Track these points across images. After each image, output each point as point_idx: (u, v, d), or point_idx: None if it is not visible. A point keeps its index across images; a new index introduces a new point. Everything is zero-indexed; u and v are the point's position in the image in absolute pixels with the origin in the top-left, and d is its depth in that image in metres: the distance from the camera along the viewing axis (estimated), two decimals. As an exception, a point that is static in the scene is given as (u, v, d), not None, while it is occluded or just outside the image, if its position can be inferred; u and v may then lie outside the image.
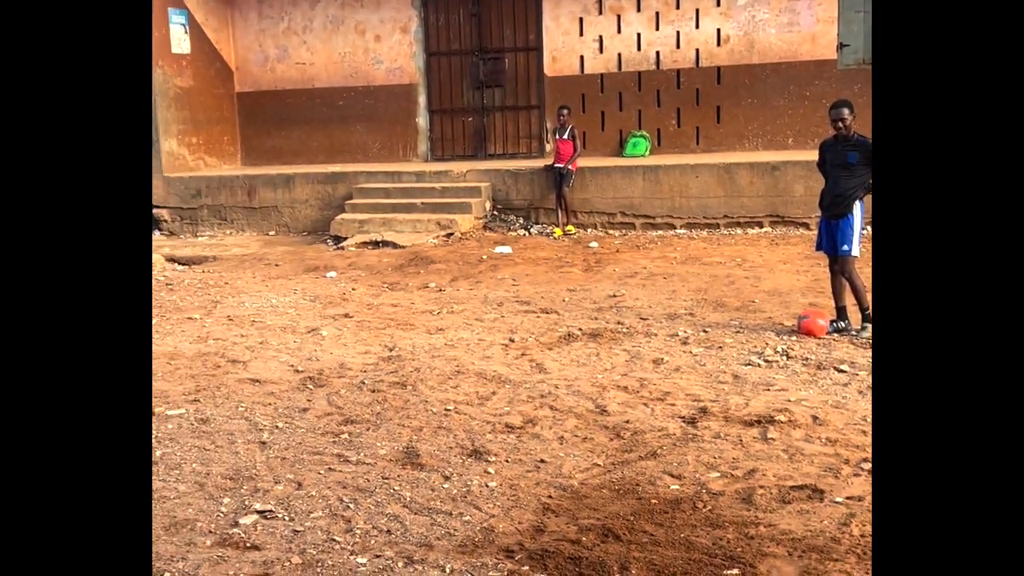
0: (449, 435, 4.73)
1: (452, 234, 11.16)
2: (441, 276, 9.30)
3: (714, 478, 4.09)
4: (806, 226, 10.71)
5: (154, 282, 9.63)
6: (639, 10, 12.72)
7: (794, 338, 6.35)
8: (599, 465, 4.30)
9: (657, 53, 12.70)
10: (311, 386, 5.68)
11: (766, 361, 5.85)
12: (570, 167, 11.39)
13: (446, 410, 5.13)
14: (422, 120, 13.76)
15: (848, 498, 3.81)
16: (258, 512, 3.85)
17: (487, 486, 4.08)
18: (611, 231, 11.40)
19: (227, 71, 14.33)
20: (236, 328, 7.32)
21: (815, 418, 4.73)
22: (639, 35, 12.74)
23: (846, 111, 6.41)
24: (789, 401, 5.02)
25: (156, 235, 13.10)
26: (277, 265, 10.41)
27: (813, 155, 10.49)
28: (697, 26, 12.52)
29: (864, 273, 6.58)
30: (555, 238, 11.12)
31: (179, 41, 13.30)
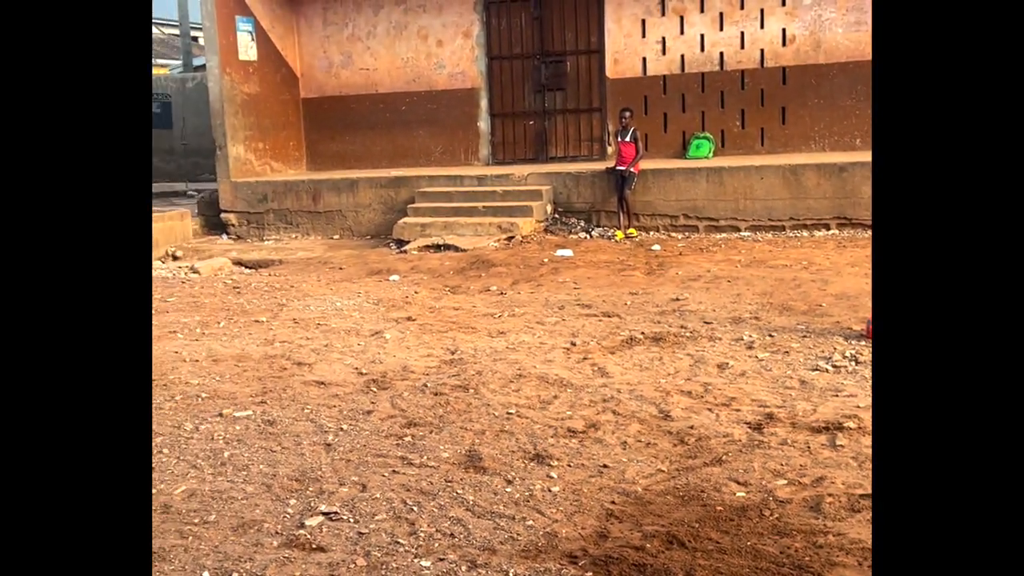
0: (511, 439, 4.73)
1: (513, 237, 11.17)
2: (502, 279, 9.31)
3: (781, 485, 4.02)
4: (874, 228, 10.48)
5: (222, 285, 9.83)
6: (703, 11, 12.60)
7: (863, 343, 6.21)
8: (663, 471, 4.26)
9: (721, 54, 12.56)
10: (375, 389, 5.73)
11: (834, 366, 5.73)
12: (632, 169, 11.32)
13: (508, 414, 5.13)
14: (484, 124, 13.81)
15: (921, 508, 3.71)
16: (324, 514, 3.89)
17: (550, 491, 4.07)
18: (674, 234, 11.30)
19: (292, 77, 14.56)
20: (301, 331, 7.42)
21: (885, 425, 4.62)
22: (702, 36, 12.62)
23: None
24: (858, 407, 4.92)
25: (224, 239, 13.36)
26: (341, 268, 10.53)
27: (882, 156, 10.31)
28: (762, 26, 12.35)
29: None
30: (617, 241, 11.07)
31: (246, 48, 13.55)
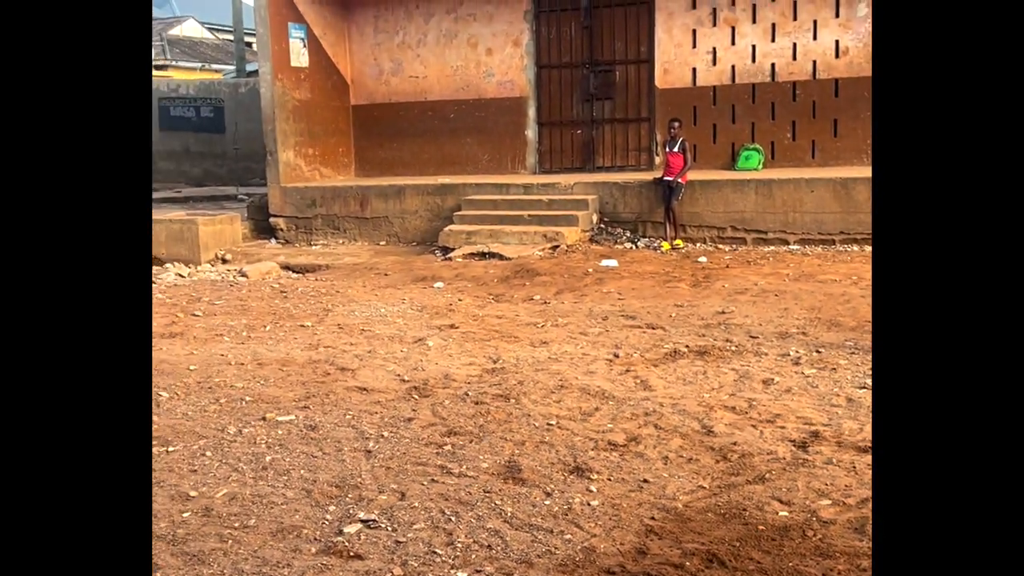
0: (551, 450, 4.71)
1: (558, 246, 11.15)
2: (546, 288, 9.29)
3: (825, 505, 3.94)
4: (927, 244, 10.28)
5: (269, 289, 9.93)
6: (754, 22, 12.48)
7: (913, 361, 6.08)
8: (704, 487, 4.20)
9: (772, 65, 12.43)
10: (416, 396, 5.74)
11: (882, 385, 5.62)
12: (680, 180, 11.24)
13: (548, 425, 5.10)
14: (531, 132, 13.82)
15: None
16: (362, 521, 3.90)
17: (589, 504, 4.04)
18: (721, 246, 11.19)
19: (343, 84, 14.70)
20: (346, 336, 7.46)
21: (935, 447, 4.51)
22: (754, 47, 12.50)
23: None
24: (907, 428, 4.81)
25: (272, 243, 13.51)
26: (386, 275, 10.59)
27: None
28: (815, 38, 12.20)
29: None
30: (663, 252, 10.99)
31: (298, 55, 13.71)
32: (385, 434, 5.02)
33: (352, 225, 13.31)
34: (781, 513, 3.89)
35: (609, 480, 4.32)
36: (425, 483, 4.31)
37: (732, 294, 8.61)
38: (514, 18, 13.68)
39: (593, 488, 4.22)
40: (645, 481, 4.29)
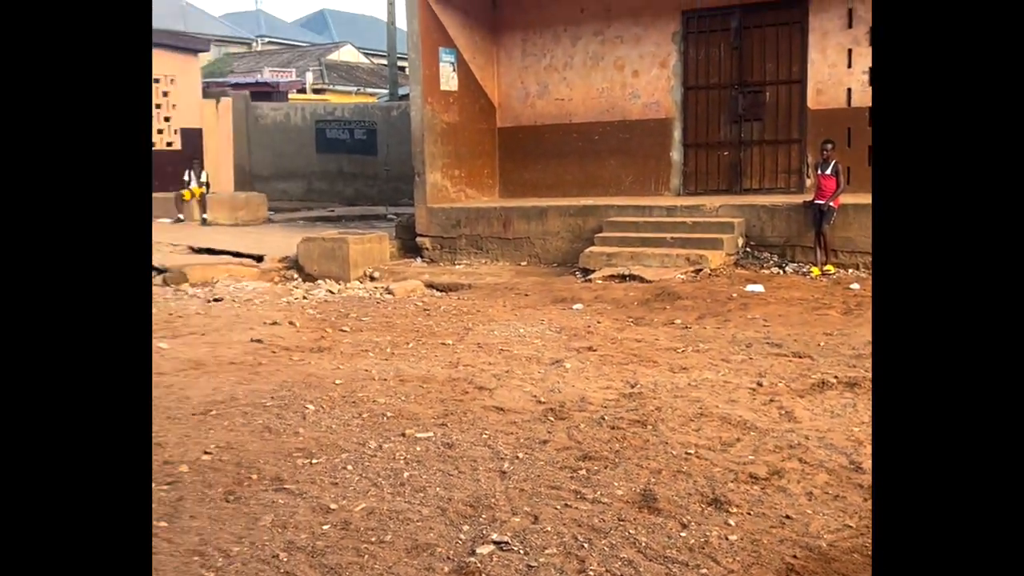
0: (688, 480, 4.59)
1: (701, 270, 10.94)
2: (687, 313, 9.12)
3: (985, 555, 3.68)
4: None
5: (413, 307, 10.16)
6: (914, 39, 11.94)
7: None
8: (851, 527, 4.00)
9: (933, 84, 11.85)
10: (552, 418, 5.72)
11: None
12: (832, 204, 10.85)
13: (687, 454, 4.98)
14: (676, 154, 13.66)
15: None
16: (495, 543, 3.90)
17: (727, 539, 3.91)
18: (874, 273, 10.71)
19: (490, 107, 14.95)
20: (485, 356, 7.53)
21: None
22: (913, 65, 11.96)
23: None
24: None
25: (417, 262, 13.84)
26: (526, 295, 10.65)
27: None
28: (981, 54, 11.56)
29: None
30: (812, 278, 10.61)
31: (448, 79, 14.04)
32: (520, 455, 5.02)
33: (494, 245, 13.47)
34: (935, 560, 3.66)
35: (749, 514, 4.17)
36: (558, 507, 4.27)
37: (885, 324, 8.20)
38: (662, 40, 13.58)
39: (732, 522, 4.08)
40: (787, 517, 4.12)
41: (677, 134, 13.62)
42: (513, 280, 11.84)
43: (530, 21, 14.62)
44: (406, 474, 4.76)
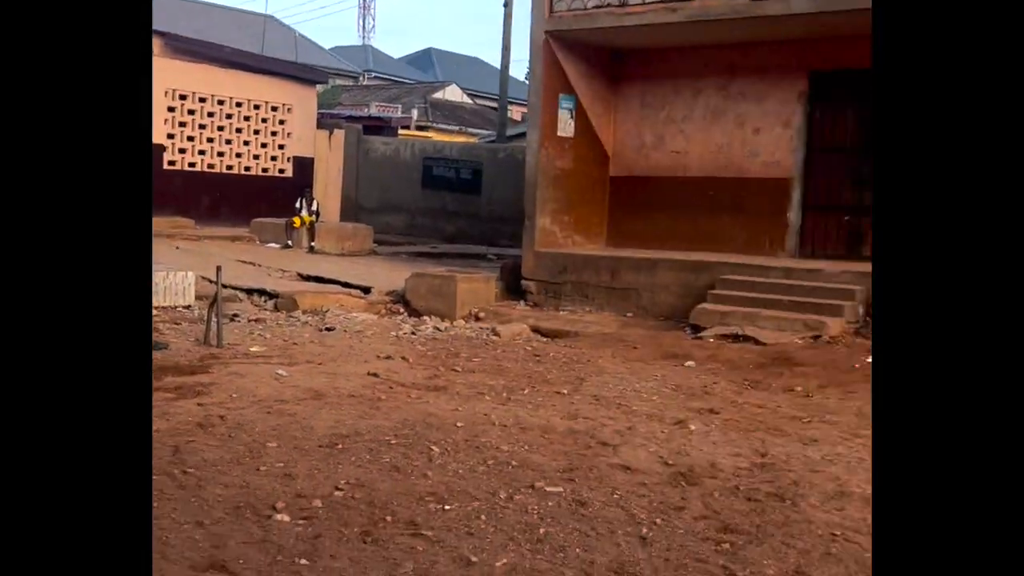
0: (840, 565, 4.36)
1: (820, 336, 10.61)
2: (807, 380, 8.83)
3: None
4: None
5: (522, 351, 10.08)
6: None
7: None
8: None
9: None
10: (683, 483, 5.54)
11: None
12: (961, 279, 10.44)
13: (833, 535, 4.74)
14: (793, 215, 13.38)
15: None
16: (644, 614, 3.74)
17: (892, 635, 3.67)
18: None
19: (603, 155, 14.91)
20: (603, 409, 7.39)
21: None
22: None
23: None
24: None
25: (521, 305, 13.78)
26: (635, 347, 10.48)
27: None
28: None
29: None
30: (937, 354, 10.19)
31: (565, 125, 14.07)
32: (657, 521, 4.85)
33: (600, 294, 13.34)
34: None
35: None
36: (707, 582, 4.09)
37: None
38: (787, 98, 13.38)
39: (895, 617, 3.84)
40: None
41: (796, 195, 13.35)
42: (620, 331, 11.68)
43: (651, 73, 14.57)
44: (541, 530, 4.64)
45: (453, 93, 41.74)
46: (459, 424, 6.61)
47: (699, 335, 11.17)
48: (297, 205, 19.22)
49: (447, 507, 4.88)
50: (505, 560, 4.23)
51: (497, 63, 33.51)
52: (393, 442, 6.05)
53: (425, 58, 57.16)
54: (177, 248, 16.96)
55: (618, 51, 14.70)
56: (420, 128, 33.88)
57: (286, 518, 4.59)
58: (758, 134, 13.63)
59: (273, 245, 18.91)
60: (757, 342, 10.61)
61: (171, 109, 21.29)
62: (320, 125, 23.97)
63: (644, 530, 4.69)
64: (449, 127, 35.32)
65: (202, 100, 21.85)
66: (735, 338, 10.88)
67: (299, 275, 14.87)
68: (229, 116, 22.23)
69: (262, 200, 21.42)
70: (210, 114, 22.02)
